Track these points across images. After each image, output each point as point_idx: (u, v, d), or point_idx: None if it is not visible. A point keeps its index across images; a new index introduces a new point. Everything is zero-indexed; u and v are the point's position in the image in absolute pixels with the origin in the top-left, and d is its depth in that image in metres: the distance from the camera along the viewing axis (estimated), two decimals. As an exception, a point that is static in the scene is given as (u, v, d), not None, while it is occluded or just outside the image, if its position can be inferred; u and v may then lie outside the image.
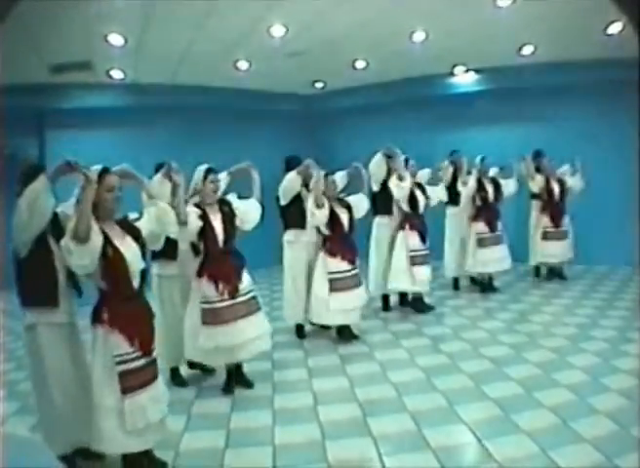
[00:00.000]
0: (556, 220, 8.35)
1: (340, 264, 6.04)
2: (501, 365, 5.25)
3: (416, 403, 4.52)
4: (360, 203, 6.35)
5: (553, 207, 8.36)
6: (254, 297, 4.98)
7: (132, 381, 3.40)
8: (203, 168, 4.88)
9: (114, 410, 3.38)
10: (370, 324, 6.79)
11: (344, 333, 6.29)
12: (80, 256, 3.20)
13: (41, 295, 3.53)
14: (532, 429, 3.91)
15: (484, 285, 8.17)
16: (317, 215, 5.92)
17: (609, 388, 4.56)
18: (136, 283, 3.51)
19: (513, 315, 6.93)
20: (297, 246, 6.32)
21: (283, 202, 6.22)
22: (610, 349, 5.51)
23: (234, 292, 4.78)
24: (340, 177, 6.40)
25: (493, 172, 8.06)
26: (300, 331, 6.51)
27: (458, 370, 5.23)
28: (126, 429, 3.38)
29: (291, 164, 6.33)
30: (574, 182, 8.39)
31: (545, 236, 8.40)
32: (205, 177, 4.82)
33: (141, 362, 3.47)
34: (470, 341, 6.02)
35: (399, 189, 6.85)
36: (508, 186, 8.17)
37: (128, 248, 3.47)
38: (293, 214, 6.25)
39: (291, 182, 6.11)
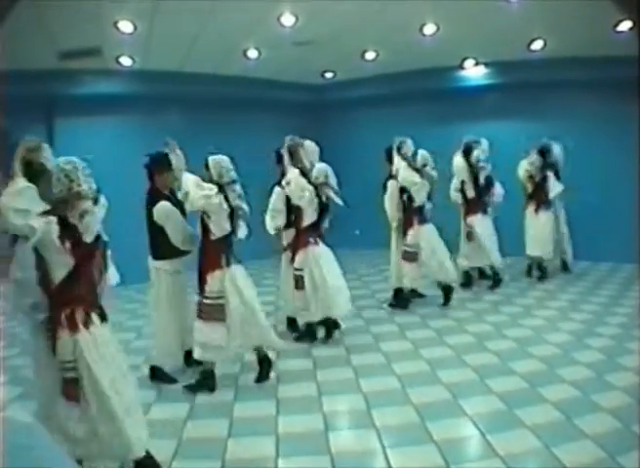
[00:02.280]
0: None
1: None
2: (506, 359, 5.25)
3: (420, 395, 4.53)
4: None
5: None
6: None
7: None
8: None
9: None
10: (375, 315, 6.81)
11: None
12: None
13: None
14: (535, 424, 3.91)
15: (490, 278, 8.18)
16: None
17: (613, 385, 4.55)
18: None
19: (519, 309, 6.92)
20: None
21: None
22: (614, 346, 5.50)
23: None
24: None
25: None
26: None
27: (462, 363, 5.24)
28: None
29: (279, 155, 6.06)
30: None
31: None
32: None
33: None
34: (475, 335, 6.02)
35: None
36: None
37: None
38: None
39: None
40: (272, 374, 5.05)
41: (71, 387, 3.27)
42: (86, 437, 3.27)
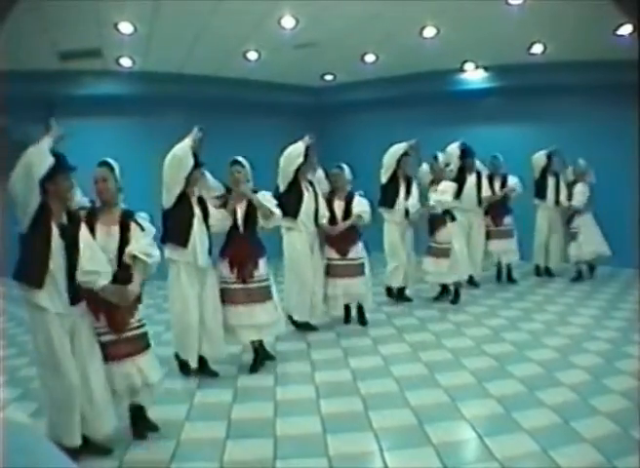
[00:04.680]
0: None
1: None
2: (504, 362, 5.25)
3: (418, 398, 4.52)
4: None
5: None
6: (267, 286, 5.23)
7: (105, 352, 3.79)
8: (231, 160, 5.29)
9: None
10: (373, 318, 6.79)
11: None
12: None
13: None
14: (533, 428, 3.90)
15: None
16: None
17: (611, 389, 4.55)
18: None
19: (517, 313, 6.92)
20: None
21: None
22: (612, 350, 5.50)
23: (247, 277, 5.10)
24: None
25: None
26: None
27: (460, 366, 5.23)
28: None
29: None
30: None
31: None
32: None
33: (111, 337, 3.80)
34: (473, 338, 6.02)
35: None
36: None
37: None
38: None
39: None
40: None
41: None
42: None
